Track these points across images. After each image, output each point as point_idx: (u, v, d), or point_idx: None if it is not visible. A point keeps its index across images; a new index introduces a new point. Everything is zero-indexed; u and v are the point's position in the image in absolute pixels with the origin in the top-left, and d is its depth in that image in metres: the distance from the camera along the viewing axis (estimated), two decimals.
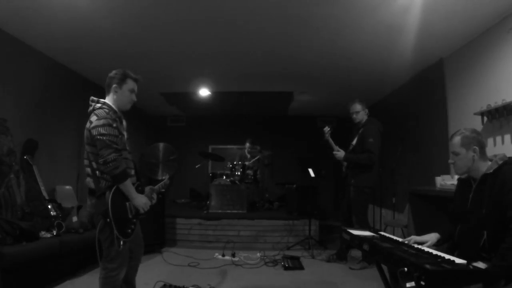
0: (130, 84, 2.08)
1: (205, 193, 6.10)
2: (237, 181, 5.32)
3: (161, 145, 7.24)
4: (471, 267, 1.37)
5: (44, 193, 3.35)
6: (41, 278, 2.77)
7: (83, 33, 3.47)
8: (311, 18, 3.18)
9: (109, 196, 1.88)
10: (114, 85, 2.04)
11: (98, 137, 1.87)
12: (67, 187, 4.28)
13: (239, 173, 5.46)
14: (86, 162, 2.00)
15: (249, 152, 6.10)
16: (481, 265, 1.50)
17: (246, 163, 5.75)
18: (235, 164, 5.59)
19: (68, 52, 4.00)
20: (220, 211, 5.01)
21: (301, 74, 4.86)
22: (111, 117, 1.94)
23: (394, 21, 3.13)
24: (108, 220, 1.86)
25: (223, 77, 5.13)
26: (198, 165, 6.05)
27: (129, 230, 1.97)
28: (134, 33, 3.55)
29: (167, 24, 3.36)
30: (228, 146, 7.73)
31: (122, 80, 2.05)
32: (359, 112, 3.76)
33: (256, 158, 5.88)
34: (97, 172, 1.94)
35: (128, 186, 1.96)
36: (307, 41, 3.71)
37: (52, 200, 3.34)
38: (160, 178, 7.01)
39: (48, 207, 3.16)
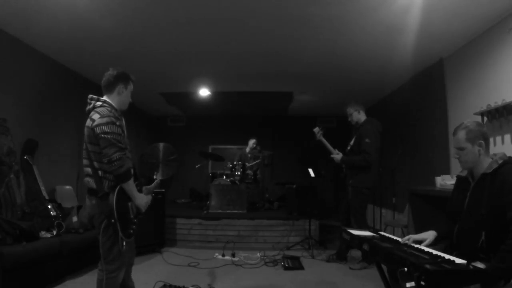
0: (131, 86, 2.10)
1: (205, 193, 6.10)
2: (237, 181, 5.32)
3: (161, 145, 7.24)
4: (471, 267, 1.37)
5: (44, 193, 3.35)
6: (41, 278, 2.77)
7: (83, 33, 3.47)
8: (311, 18, 3.18)
9: (113, 196, 1.84)
10: (120, 86, 2.02)
11: (102, 135, 1.82)
12: (67, 187, 4.28)
13: (239, 173, 5.46)
14: (85, 161, 1.94)
15: (249, 152, 6.09)
16: (479, 265, 1.50)
17: (247, 163, 5.75)
18: (235, 164, 5.59)
19: (68, 52, 4.00)
20: (220, 211, 5.01)
21: (301, 74, 4.86)
22: (114, 115, 1.91)
23: (394, 21, 3.13)
24: (112, 220, 1.83)
25: (223, 77, 5.13)
26: (198, 165, 6.05)
27: (131, 231, 1.95)
28: (134, 33, 3.55)
29: (167, 24, 3.36)
30: (228, 146, 7.73)
31: (127, 82, 2.06)
32: (352, 114, 3.78)
33: (257, 161, 5.88)
34: (100, 171, 1.89)
35: (131, 186, 1.93)
36: (307, 41, 3.71)
37: (52, 200, 3.34)
38: (160, 178, 7.01)
39: (48, 207, 3.16)
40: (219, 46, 3.92)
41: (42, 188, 3.36)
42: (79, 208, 3.55)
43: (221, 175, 5.51)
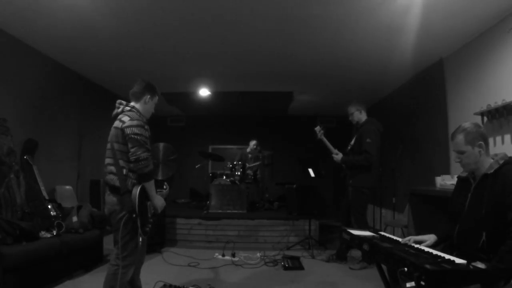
0: (156, 98, 2.28)
1: (205, 193, 6.10)
2: (237, 181, 5.32)
3: (161, 145, 7.24)
4: (471, 267, 1.36)
5: (44, 193, 3.35)
6: (41, 278, 2.77)
7: (83, 33, 3.47)
8: (311, 18, 3.18)
9: (136, 193, 1.96)
10: (148, 96, 2.19)
11: (132, 136, 1.97)
12: (67, 187, 4.28)
13: (239, 173, 5.46)
14: (109, 160, 2.06)
15: (250, 153, 6.10)
16: (479, 265, 1.50)
17: (247, 164, 5.75)
18: (235, 164, 5.59)
19: (68, 52, 4.00)
20: (220, 211, 5.01)
21: (301, 74, 4.86)
22: (142, 120, 2.09)
23: (394, 21, 3.13)
24: (134, 215, 1.94)
25: (223, 77, 5.13)
26: (198, 165, 6.05)
27: (147, 229, 2.06)
28: (134, 33, 3.55)
29: (167, 24, 3.36)
30: (228, 146, 7.73)
31: (154, 93, 2.24)
32: (353, 113, 3.77)
33: (257, 163, 5.89)
34: (124, 170, 2.01)
35: (152, 186, 2.07)
36: (307, 41, 3.71)
37: (52, 200, 3.34)
38: (160, 178, 7.01)
39: (48, 207, 3.16)
40: (219, 46, 3.92)
41: (42, 188, 3.36)
42: (79, 208, 3.55)
43: (221, 175, 5.51)
